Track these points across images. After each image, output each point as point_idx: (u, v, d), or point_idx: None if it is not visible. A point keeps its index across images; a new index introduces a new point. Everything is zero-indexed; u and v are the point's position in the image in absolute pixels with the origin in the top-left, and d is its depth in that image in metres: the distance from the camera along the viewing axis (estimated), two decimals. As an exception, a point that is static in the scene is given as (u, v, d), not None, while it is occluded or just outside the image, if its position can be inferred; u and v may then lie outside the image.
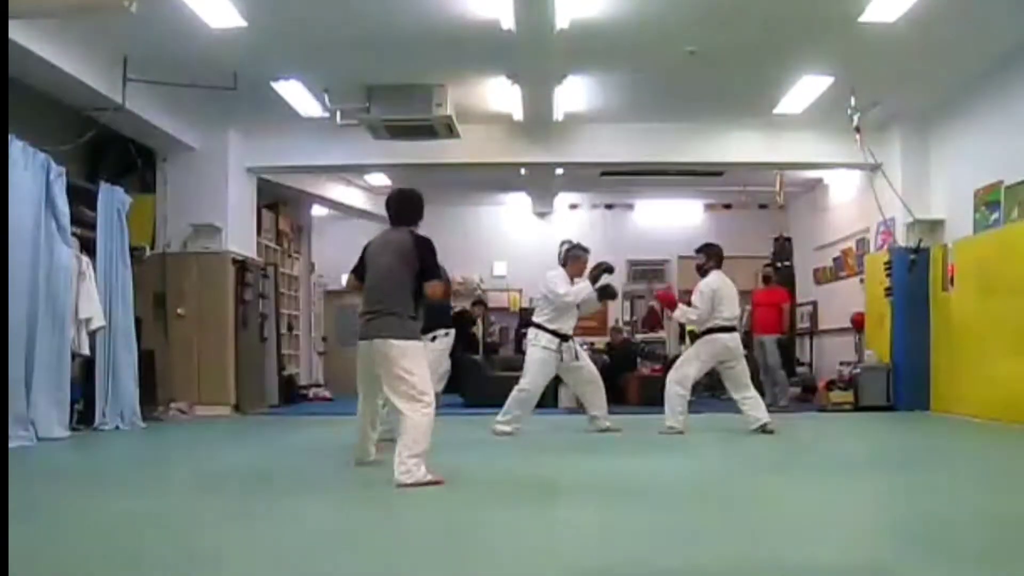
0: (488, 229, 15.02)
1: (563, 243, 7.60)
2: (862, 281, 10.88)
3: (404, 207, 5.12)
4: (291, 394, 11.74)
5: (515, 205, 14.80)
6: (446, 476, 4.35)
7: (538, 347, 7.10)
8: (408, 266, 4.67)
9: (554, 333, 7.08)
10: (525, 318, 14.09)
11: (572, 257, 7.38)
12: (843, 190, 12.07)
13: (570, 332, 7.21)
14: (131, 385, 8.04)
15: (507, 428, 6.95)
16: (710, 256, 7.28)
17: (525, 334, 13.43)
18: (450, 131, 8.90)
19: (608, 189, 13.94)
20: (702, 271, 7.24)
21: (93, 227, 7.80)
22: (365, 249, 5.07)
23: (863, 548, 3.04)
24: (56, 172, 6.93)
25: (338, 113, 8.83)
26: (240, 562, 2.91)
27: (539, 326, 7.16)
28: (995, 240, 8.14)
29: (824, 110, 9.11)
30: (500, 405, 7.30)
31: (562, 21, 6.76)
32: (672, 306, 7.60)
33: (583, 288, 7.11)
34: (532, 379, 7.06)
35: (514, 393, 7.08)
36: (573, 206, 14.93)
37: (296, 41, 7.56)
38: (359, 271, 4.95)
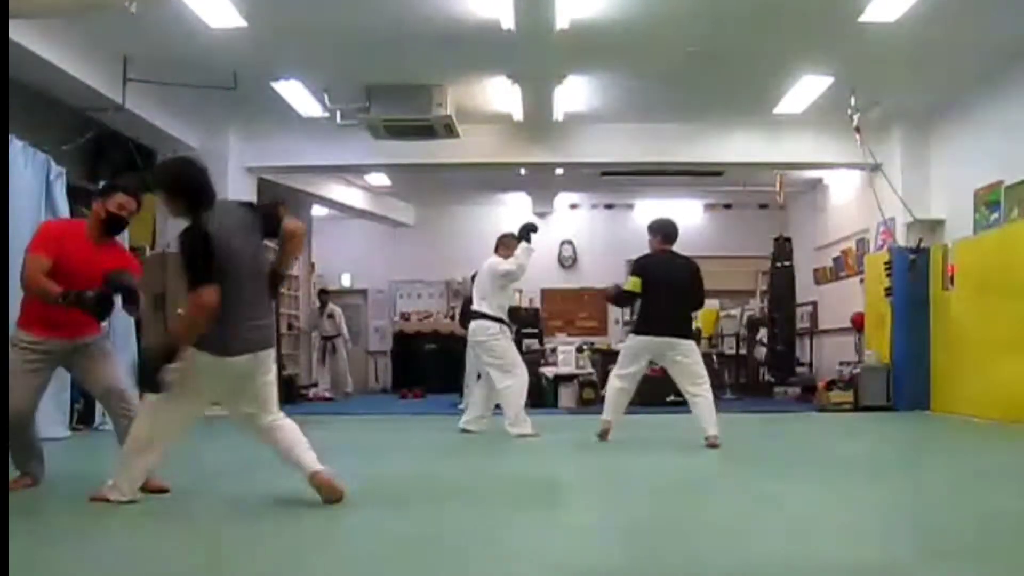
0: (488, 229, 14.98)
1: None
2: (862, 281, 10.88)
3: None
4: (291, 394, 11.73)
5: (515, 205, 14.80)
6: (446, 475, 4.35)
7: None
8: None
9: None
10: (524, 318, 14.13)
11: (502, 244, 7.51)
12: (843, 190, 12.07)
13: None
14: (131, 385, 8.02)
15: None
16: None
17: (526, 334, 13.51)
18: (450, 131, 8.90)
19: (608, 189, 13.95)
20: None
21: (93, 227, 7.78)
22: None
23: (863, 548, 3.04)
24: (56, 172, 6.92)
25: (338, 113, 8.84)
26: (240, 562, 2.91)
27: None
28: (995, 240, 8.14)
29: (824, 110, 9.11)
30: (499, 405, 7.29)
31: (562, 21, 6.76)
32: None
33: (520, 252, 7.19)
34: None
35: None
36: (573, 206, 14.94)
37: (296, 41, 7.56)
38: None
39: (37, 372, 4.05)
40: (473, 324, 7.07)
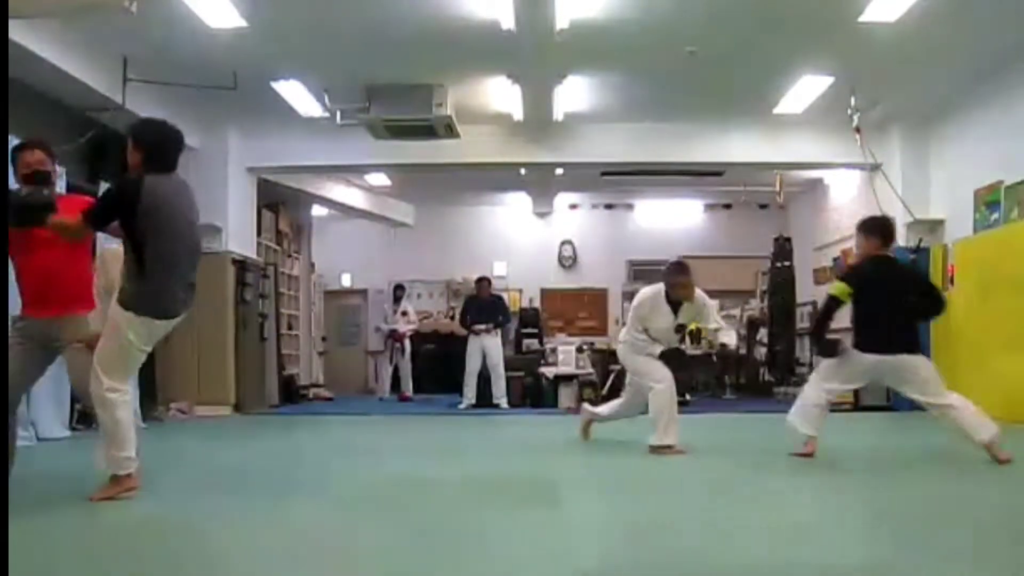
0: (488, 229, 15.03)
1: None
2: (862, 281, 10.87)
3: None
4: (291, 394, 11.75)
5: (515, 205, 14.81)
6: (445, 476, 4.34)
7: None
8: None
9: None
10: (525, 318, 14.15)
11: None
12: (843, 190, 12.07)
13: None
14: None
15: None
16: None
17: (526, 334, 13.51)
18: (450, 131, 8.90)
19: (608, 189, 13.95)
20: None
21: (93, 227, 7.78)
22: None
23: (862, 548, 3.04)
24: (56, 172, 6.91)
25: (338, 113, 8.84)
26: (239, 564, 2.91)
27: None
28: (995, 240, 8.15)
29: (824, 110, 9.12)
30: (499, 405, 7.24)
31: (562, 21, 6.76)
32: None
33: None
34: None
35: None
36: (573, 206, 14.95)
37: (296, 41, 7.56)
38: None
39: (16, 354, 3.93)
40: None
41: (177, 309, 3.86)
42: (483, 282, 11.07)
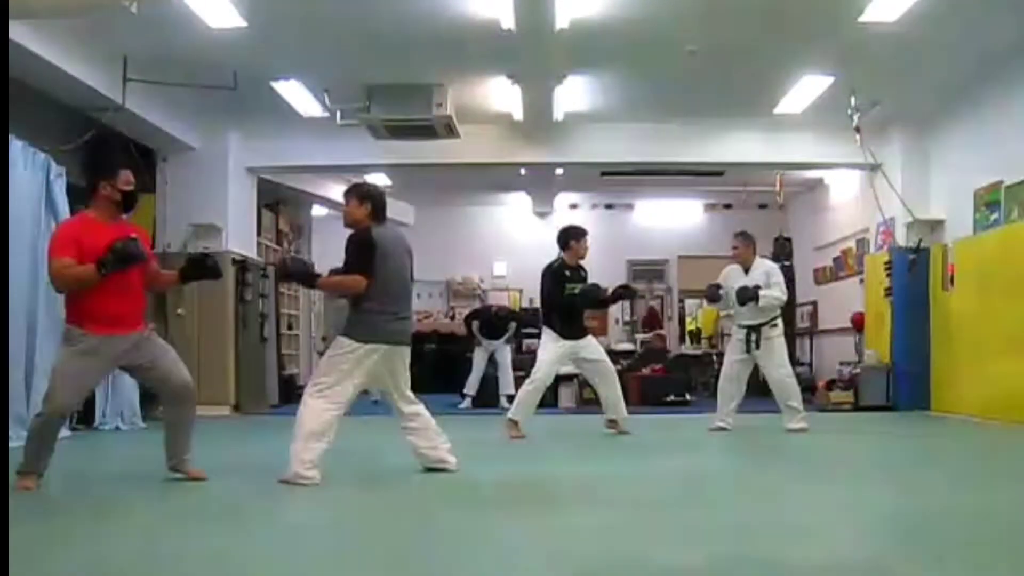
0: (488, 229, 15.03)
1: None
2: (862, 281, 10.88)
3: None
4: (291, 394, 11.73)
5: (515, 205, 14.80)
6: (447, 477, 4.33)
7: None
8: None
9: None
10: (526, 318, 14.14)
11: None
12: (843, 190, 12.07)
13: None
14: (131, 385, 8.03)
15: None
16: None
17: (526, 334, 13.52)
18: (450, 131, 8.90)
19: (608, 189, 13.95)
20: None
21: (93, 227, 7.79)
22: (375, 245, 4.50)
23: (861, 548, 3.04)
24: (56, 172, 6.92)
25: (338, 113, 8.84)
26: (239, 563, 2.91)
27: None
28: (995, 240, 8.15)
29: (824, 110, 9.11)
30: (500, 405, 7.27)
31: (562, 21, 6.76)
32: None
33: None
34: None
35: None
36: (573, 206, 14.94)
37: (296, 41, 7.56)
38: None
39: (89, 372, 4.07)
40: None
41: (379, 337, 4.46)
42: (492, 307, 11.45)
